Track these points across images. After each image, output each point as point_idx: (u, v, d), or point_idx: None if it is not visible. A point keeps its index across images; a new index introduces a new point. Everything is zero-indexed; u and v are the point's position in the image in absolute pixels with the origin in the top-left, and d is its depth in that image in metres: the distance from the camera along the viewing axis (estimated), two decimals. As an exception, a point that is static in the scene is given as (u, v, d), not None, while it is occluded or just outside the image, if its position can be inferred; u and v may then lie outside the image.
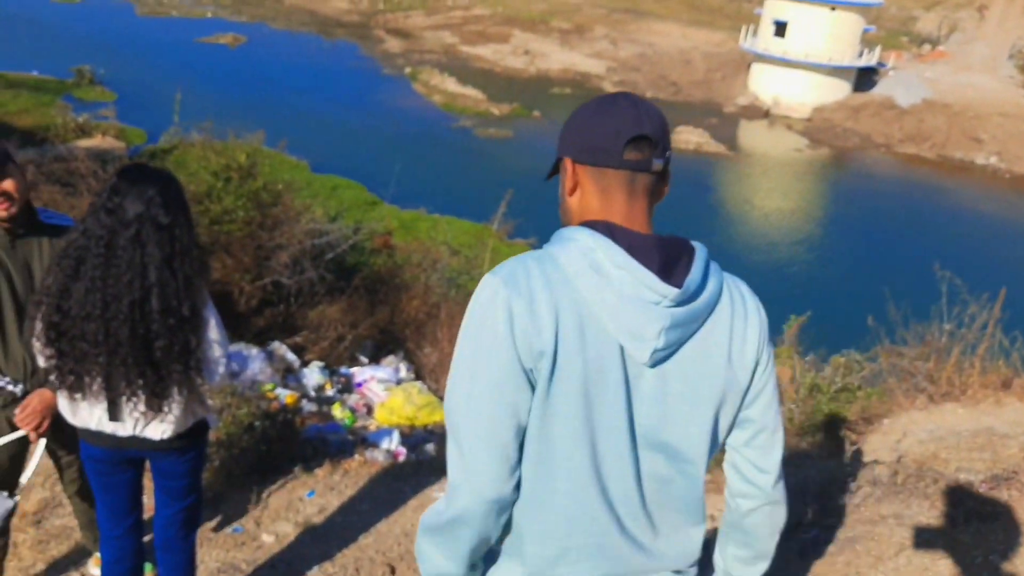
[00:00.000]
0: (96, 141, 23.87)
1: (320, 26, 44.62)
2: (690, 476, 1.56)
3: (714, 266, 1.60)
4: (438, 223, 18.94)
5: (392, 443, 4.40)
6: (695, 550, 1.63)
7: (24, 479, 2.90)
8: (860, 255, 24.66)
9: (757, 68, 40.25)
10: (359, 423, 4.97)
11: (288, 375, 5.45)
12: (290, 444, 4.14)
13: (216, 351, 2.66)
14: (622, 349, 1.45)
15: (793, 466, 4.34)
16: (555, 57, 42.21)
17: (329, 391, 5.39)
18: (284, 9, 47.29)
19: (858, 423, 4.75)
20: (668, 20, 49.39)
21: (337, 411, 5.03)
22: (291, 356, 5.61)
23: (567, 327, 1.42)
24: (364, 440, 4.48)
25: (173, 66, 32.81)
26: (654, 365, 1.48)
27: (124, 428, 2.65)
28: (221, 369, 2.70)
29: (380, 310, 6.35)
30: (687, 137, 33.90)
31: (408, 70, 37.98)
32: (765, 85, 39.77)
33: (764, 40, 40.04)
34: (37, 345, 2.58)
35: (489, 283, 1.43)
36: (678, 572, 1.62)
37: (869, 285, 20.19)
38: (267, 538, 3.56)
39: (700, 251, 1.59)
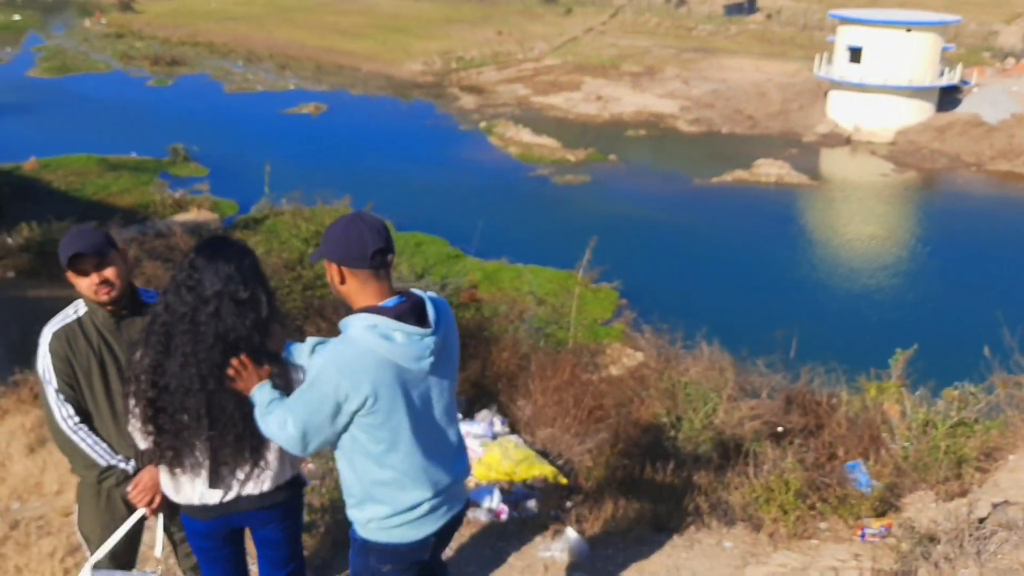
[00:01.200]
0: (192, 215, 24.99)
1: (397, 89, 45.94)
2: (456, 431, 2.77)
3: (433, 299, 2.59)
4: (522, 272, 19.04)
5: (493, 501, 4.36)
6: (467, 470, 2.88)
7: (157, 552, 2.96)
8: (961, 280, 23.62)
9: (835, 95, 39.53)
10: (458, 480, 4.96)
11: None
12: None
13: None
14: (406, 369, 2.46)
15: (914, 509, 4.13)
16: (627, 100, 42.34)
17: (426, 449, 5.38)
18: (362, 76, 48.91)
19: (980, 460, 4.50)
20: (739, 55, 49.16)
21: (435, 469, 5.01)
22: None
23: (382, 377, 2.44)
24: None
25: (260, 138, 34.20)
26: (431, 374, 2.53)
27: (226, 493, 2.73)
28: None
29: (471, 364, 6.37)
30: (767, 170, 33.37)
31: (483, 124, 38.64)
32: (844, 112, 38.99)
33: (840, 67, 39.37)
34: (134, 423, 2.69)
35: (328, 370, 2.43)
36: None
37: (974, 311, 19.39)
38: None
39: (425, 297, 2.59)
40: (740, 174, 32.94)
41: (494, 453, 5.04)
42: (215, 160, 31.77)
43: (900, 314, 21.29)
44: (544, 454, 5.14)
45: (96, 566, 2.95)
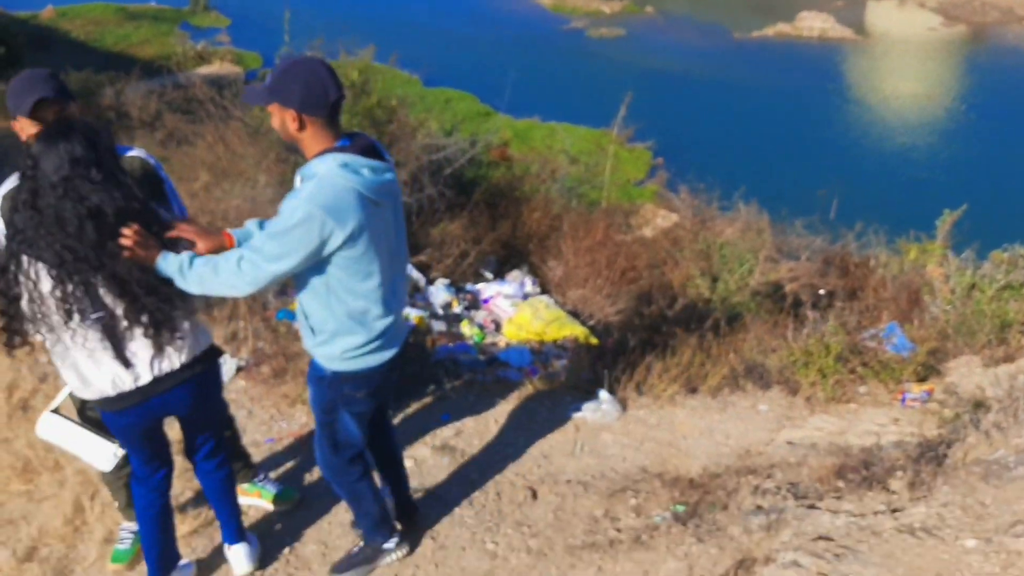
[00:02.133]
0: (215, 68, 24.35)
1: (422, -67, 43.74)
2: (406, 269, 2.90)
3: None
4: (554, 131, 18.55)
5: (524, 361, 4.33)
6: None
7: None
8: (1009, 140, 22.76)
9: (888, -60, 37.05)
10: (488, 340, 4.93)
11: (415, 294, 5.43)
12: (422, 366, 4.10)
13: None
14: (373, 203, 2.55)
15: (958, 374, 4.03)
16: (666, -53, 39.99)
17: (456, 308, 5.34)
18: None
19: (1028, 325, 4.37)
20: None
21: (466, 328, 4.99)
22: (417, 275, 5.58)
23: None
24: (495, 359, 4.43)
25: (281, -14, 32.95)
26: (390, 207, 2.65)
27: (139, 377, 2.63)
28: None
29: (502, 224, 6.22)
30: (810, 23, 31.75)
31: (514, -27, 36.86)
32: (897, -41, 36.63)
33: (895, -91, 36.69)
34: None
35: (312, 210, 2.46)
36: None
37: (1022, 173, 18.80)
38: (406, 463, 3.58)
39: (372, 138, 2.70)
40: (783, 28, 31.44)
41: (524, 313, 4.98)
42: (237, 9, 30.78)
43: (942, 176, 20.64)
44: (575, 315, 5.08)
45: (56, 411, 2.99)
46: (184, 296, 2.56)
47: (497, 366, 4.34)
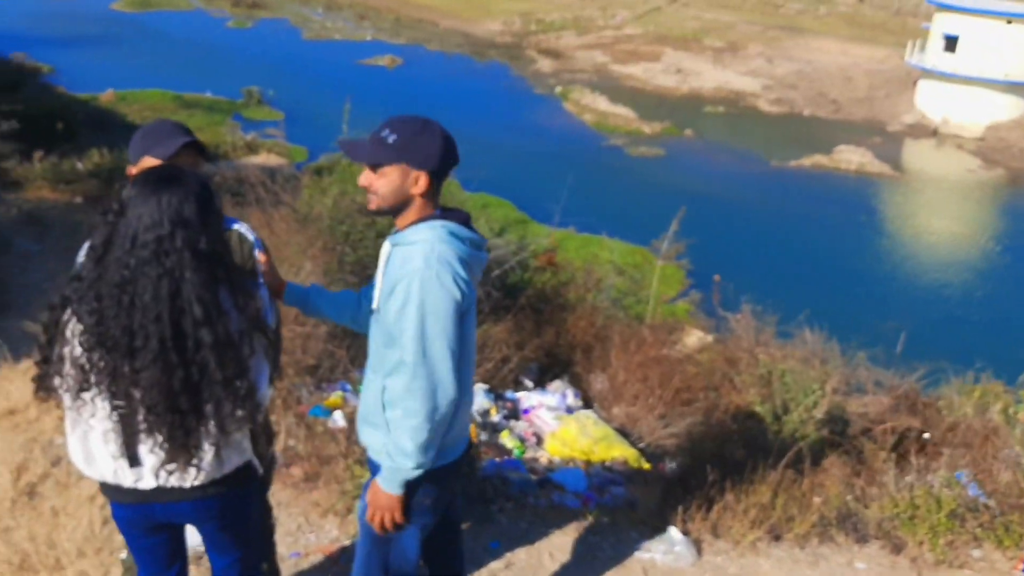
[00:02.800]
0: (262, 158, 24.99)
1: (473, 47, 45.37)
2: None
3: None
4: (589, 242, 18.57)
5: (580, 485, 4.00)
6: None
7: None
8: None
9: (925, 85, 37.84)
10: (529, 454, 4.62)
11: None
12: (469, 481, 3.73)
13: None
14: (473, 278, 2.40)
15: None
16: (708, 75, 41.15)
17: (494, 416, 5.06)
18: (440, 32, 48.44)
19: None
20: (827, 36, 47.37)
21: (506, 440, 4.69)
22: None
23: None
24: (548, 480, 4.08)
25: (335, 86, 34.07)
26: None
27: (140, 478, 2.19)
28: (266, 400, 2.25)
29: (546, 331, 6.00)
30: (848, 156, 32.20)
31: (559, 89, 37.94)
32: (933, 103, 37.31)
33: (933, 56, 37.61)
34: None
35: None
36: None
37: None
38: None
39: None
40: (820, 159, 31.84)
41: (570, 428, 4.68)
42: (289, 105, 31.77)
43: (986, 315, 20.37)
44: (623, 434, 4.78)
45: None
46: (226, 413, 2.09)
47: (551, 488, 3.99)
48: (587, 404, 5.71)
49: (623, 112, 34.80)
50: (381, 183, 2.34)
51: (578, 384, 5.81)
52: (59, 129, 13.72)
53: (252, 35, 44.63)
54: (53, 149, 9.85)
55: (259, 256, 2.49)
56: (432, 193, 2.38)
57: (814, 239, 24.30)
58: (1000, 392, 6.32)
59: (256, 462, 2.38)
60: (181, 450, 2.07)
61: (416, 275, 2.24)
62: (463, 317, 2.32)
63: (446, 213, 2.41)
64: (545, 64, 42.79)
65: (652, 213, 21.88)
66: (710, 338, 8.16)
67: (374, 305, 2.44)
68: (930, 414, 4.81)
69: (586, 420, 4.80)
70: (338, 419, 4.28)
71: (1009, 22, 35.96)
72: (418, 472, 2.34)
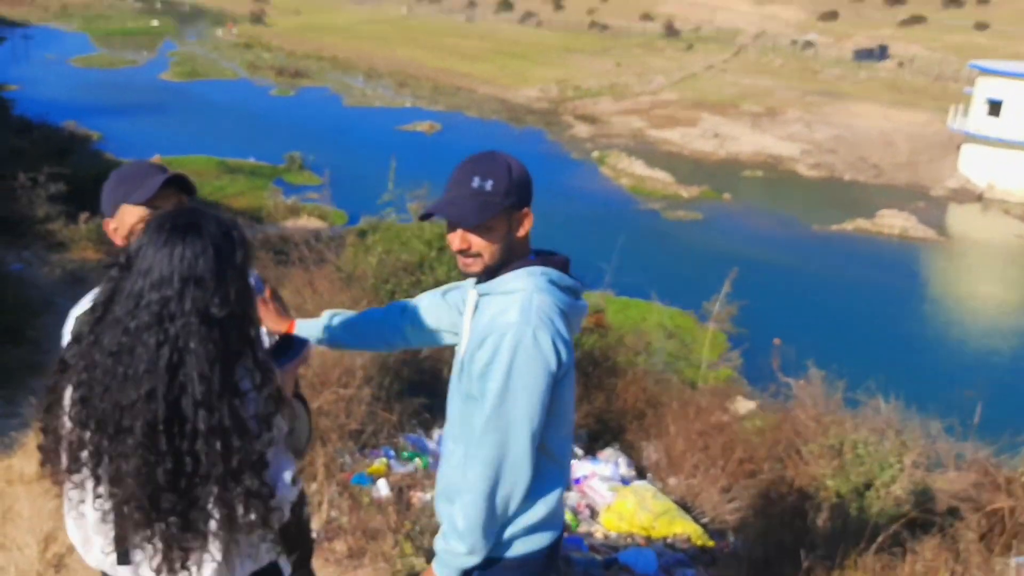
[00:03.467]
0: (303, 221, 25.24)
1: (511, 113, 45.97)
2: None
3: None
4: (629, 305, 18.28)
5: (650, 567, 3.68)
6: None
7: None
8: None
9: (968, 149, 37.44)
10: (583, 527, 4.32)
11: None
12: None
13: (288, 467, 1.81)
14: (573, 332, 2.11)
15: None
16: (746, 140, 41.14)
17: (544, 486, 4.77)
18: (477, 98, 49.20)
19: None
20: (867, 101, 47.35)
21: (559, 512, 4.39)
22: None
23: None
24: (615, 561, 3.77)
25: (375, 152, 34.54)
26: None
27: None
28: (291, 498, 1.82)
29: (595, 395, 5.74)
30: (891, 221, 31.74)
31: (596, 154, 38.14)
32: (978, 167, 36.85)
33: (976, 120, 37.29)
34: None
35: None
36: None
37: None
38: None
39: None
40: (862, 223, 31.43)
41: (628, 500, 4.38)
42: (330, 170, 32.23)
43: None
44: (683, 507, 4.46)
45: None
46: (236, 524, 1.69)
47: (617, 569, 3.68)
48: (640, 474, 5.41)
49: (660, 176, 34.80)
50: (485, 240, 2.05)
51: (630, 453, 5.51)
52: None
53: (295, 102, 45.68)
54: (98, 211, 9.93)
55: (259, 300, 2.12)
56: (528, 229, 2.13)
57: (861, 304, 23.79)
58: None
59: (283, 562, 1.96)
60: (172, 554, 1.69)
61: (510, 330, 1.95)
62: (559, 383, 2.01)
63: (542, 256, 2.13)
64: (582, 129, 43.14)
65: (691, 276, 21.72)
66: (753, 404, 7.87)
67: (459, 359, 2.14)
68: (1015, 490, 4.43)
69: (645, 492, 4.50)
70: (382, 488, 4.04)
71: (1054, 86, 35.69)
72: (473, 559, 2.01)
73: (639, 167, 35.76)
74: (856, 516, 3.90)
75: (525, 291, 2.01)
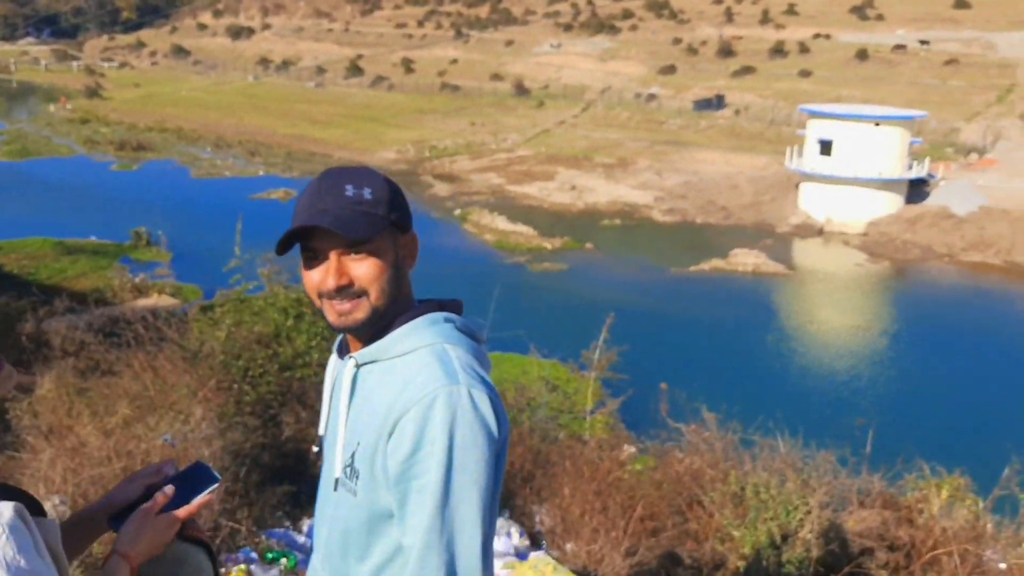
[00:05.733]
0: (153, 300, 23.79)
1: (368, 176, 45.60)
2: None
3: None
4: (503, 360, 18.02)
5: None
6: None
7: None
8: (945, 368, 23.17)
9: (806, 187, 39.82)
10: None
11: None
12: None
13: None
14: None
15: None
16: (602, 190, 42.29)
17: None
18: (333, 163, 48.43)
19: None
20: (710, 148, 49.77)
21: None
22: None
23: None
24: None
25: (226, 223, 33.25)
26: None
27: None
28: None
29: (479, 462, 5.33)
30: (743, 259, 33.18)
31: (457, 212, 38.19)
32: (816, 203, 39.23)
33: (810, 159, 39.78)
34: None
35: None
36: None
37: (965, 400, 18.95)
38: None
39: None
40: (717, 263, 32.70)
41: (526, 577, 3.98)
42: (179, 245, 30.74)
43: (878, 402, 20.63)
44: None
45: None
46: None
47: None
48: (534, 542, 5.02)
49: (523, 230, 35.14)
50: (372, 269, 1.52)
51: (522, 520, 5.12)
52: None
53: (138, 177, 43.66)
54: None
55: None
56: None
57: (728, 340, 24.50)
58: (961, 485, 5.96)
59: None
60: None
61: (438, 395, 1.43)
62: (499, 459, 1.50)
63: (430, 301, 1.65)
64: (442, 188, 43.21)
65: (564, 326, 21.80)
66: (633, 449, 7.71)
67: (336, 461, 1.57)
68: (917, 519, 4.32)
69: (544, 567, 4.10)
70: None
71: (877, 124, 38.50)
72: None
73: (501, 222, 36.01)
74: (768, 567, 3.65)
75: (434, 345, 1.52)
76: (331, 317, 1.54)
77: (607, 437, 6.86)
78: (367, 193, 1.53)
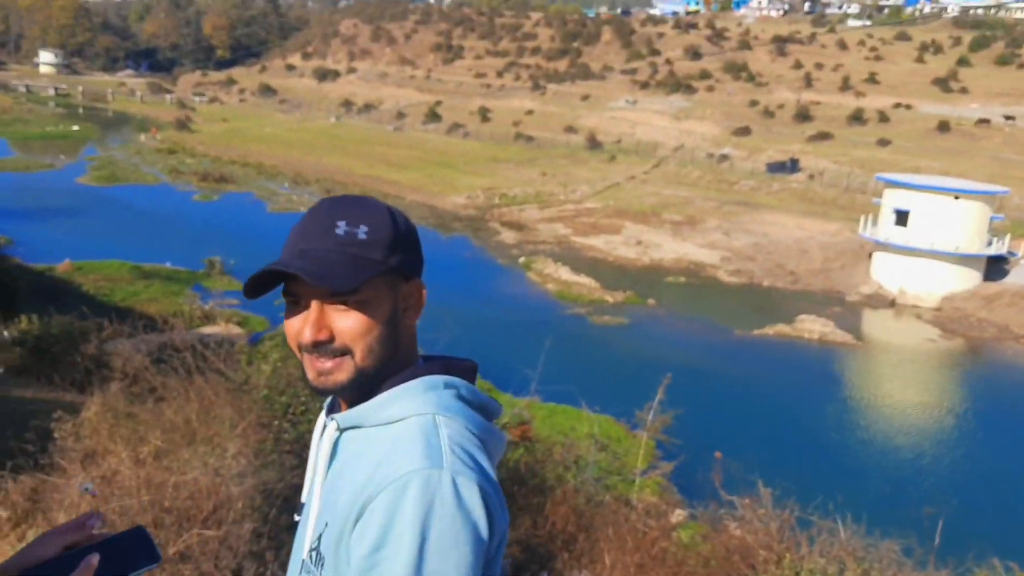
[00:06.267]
0: (219, 328, 24.22)
1: (438, 220, 46.13)
2: None
3: None
4: (556, 411, 17.77)
5: None
6: None
7: None
8: (1019, 455, 22.03)
9: (879, 257, 38.85)
10: None
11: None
12: None
13: None
14: None
15: None
16: (668, 247, 41.96)
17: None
18: (405, 205, 49.29)
19: None
20: (781, 211, 49.11)
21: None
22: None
23: None
24: None
25: (296, 257, 33.87)
26: None
27: None
28: None
29: (520, 519, 5.15)
30: (810, 326, 32.39)
31: (522, 260, 38.29)
32: (889, 274, 38.19)
33: (885, 229, 38.87)
34: None
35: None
36: None
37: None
38: None
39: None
40: (782, 328, 31.96)
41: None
42: (250, 274, 31.41)
43: (946, 485, 19.65)
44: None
45: None
46: None
47: None
48: (571, 609, 4.81)
49: (586, 282, 35.00)
50: (357, 325, 1.30)
51: (561, 584, 4.92)
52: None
53: (217, 208, 45.01)
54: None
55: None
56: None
57: (791, 410, 23.81)
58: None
59: None
60: None
61: (413, 481, 1.18)
62: (491, 562, 1.23)
63: (437, 361, 1.41)
64: (508, 236, 43.43)
65: (619, 382, 21.45)
66: (683, 514, 7.44)
67: (305, 548, 1.32)
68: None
69: (577, 638, 3.89)
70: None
71: (956, 198, 37.48)
72: None
73: (565, 272, 35.96)
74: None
75: (424, 415, 1.27)
76: (310, 374, 1.34)
77: (656, 502, 6.61)
78: (361, 232, 1.33)
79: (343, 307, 1.31)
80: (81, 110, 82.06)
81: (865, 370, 29.95)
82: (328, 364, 1.31)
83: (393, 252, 1.33)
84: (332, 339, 1.31)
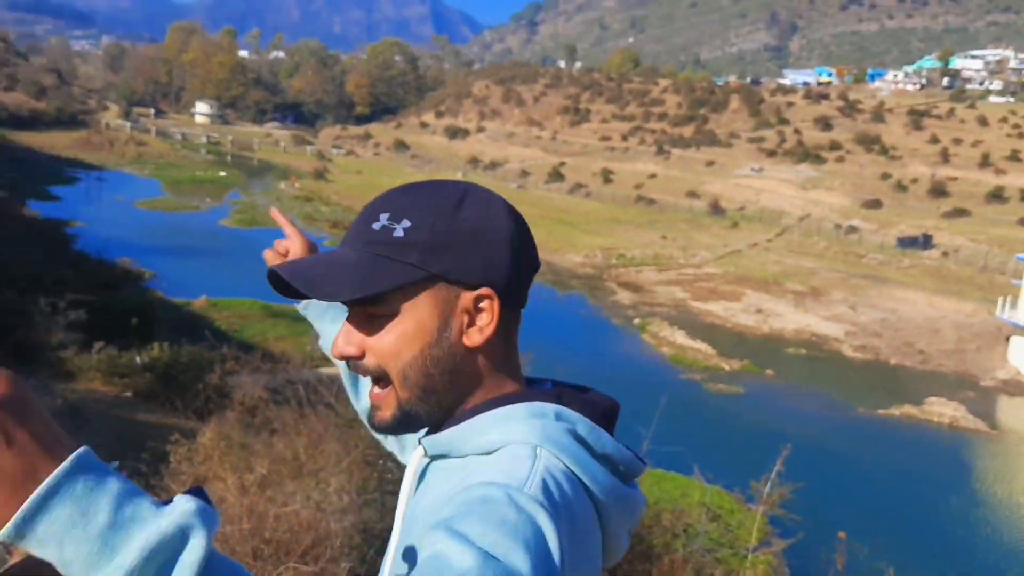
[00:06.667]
0: (337, 370, 25.03)
1: (555, 276, 46.38)
2: None
3: None
4: (664, 479, 17.33)
5: None
6: None
7: None
8: None
9: (1018, 341, 36.50)
10: None
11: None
12: None
13: None
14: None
15: None
16: (789, 317, 40.71)
17: None
18: (521, 261, 49.88)
19: None
20: (911, 288, 47.01)
21: None
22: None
23: None
24: None
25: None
26: None
27: None
28: None
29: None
30: (940, 409, 30.57)
31: (637, 321, 37.94)
32: (1029, 360, 35.80)
33: (1026, 312, 36.60)
34: None
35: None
36: None
37: None
38: None
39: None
40: (909, 410, 30.30)
41: None
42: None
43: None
44: None
45: None
46: None
47: None
48: None
49: (702, 347, 34.31)
50: (388, 340, 1.06)
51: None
52: (133, 326, 13.78)
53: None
54: (116, 342, 9.69)
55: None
56: (506, 340, 1.13)
57: (918, 496, 22.44)
58: None
59: None
60: None
61: (477, 494, 0.93)
62: None
63: (542, 382, 1.18)
64: (624, 296, 43.19)
65: (733, 452, 20.78)
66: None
67: (385, 567, 1.08)
68: None
69: None
70: None
71: (1107, 283, 35.05)
72: None
73: (681, 336, 35.37)
74: None
75: (525, 445, 1.00)
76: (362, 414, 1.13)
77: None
78: (400, 229, 1.05)
79: (377, 320, 1.07)
80: (229, 158, 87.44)
81: (1000, 461, 27.97)
82: (379, 396, 1.11)
83: (438, 254, 1.05)
84: (361, 355, 1.09)
